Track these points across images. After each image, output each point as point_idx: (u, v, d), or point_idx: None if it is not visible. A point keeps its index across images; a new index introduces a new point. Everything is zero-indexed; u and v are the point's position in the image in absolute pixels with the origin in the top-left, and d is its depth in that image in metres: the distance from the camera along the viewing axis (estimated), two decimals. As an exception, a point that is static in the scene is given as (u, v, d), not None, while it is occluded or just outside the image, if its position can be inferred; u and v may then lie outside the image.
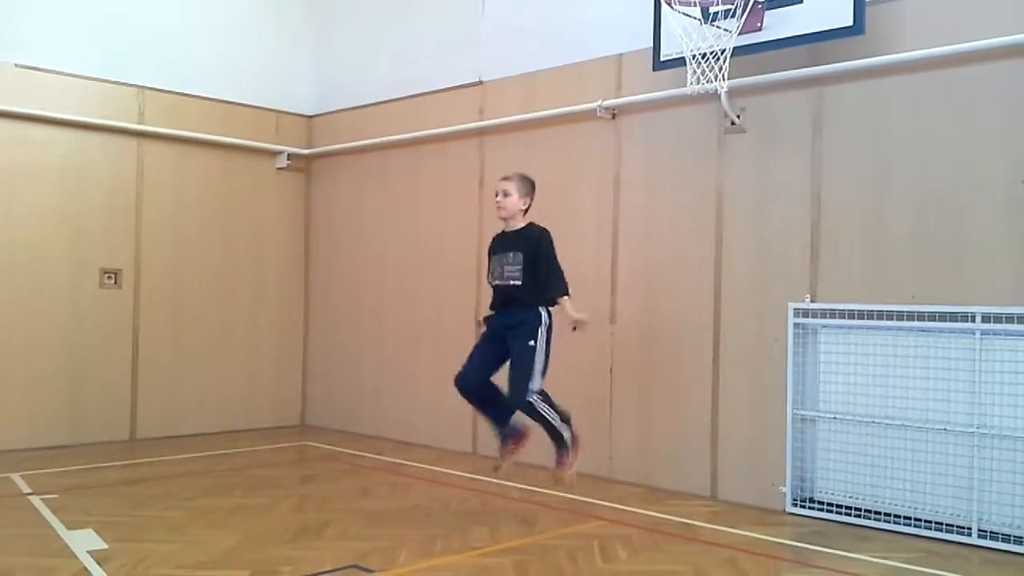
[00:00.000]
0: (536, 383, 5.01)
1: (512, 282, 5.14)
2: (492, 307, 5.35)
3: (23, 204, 7.37)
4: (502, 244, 5.32)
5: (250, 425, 8.70)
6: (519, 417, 5.16)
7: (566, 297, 5.14)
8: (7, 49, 7.32)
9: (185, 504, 5.54)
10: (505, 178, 5.33)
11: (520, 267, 5.11)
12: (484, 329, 5.36)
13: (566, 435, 5.13)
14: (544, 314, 5.11)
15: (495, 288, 5.29)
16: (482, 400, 5.26)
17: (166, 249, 8.18)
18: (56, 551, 4.48)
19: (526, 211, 5.31)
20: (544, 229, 5.27)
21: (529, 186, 5.33)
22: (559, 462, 5.20)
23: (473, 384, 5.20)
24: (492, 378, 5.22)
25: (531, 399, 4.99)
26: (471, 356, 5.30)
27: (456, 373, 5.27)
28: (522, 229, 5.28)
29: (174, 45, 8.27)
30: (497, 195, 5.29)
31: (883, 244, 5.32)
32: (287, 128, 9.09)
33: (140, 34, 8.05)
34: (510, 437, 5.22)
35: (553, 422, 5.08)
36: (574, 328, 5.13)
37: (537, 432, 5.19)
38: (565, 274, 5.23)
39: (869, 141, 5.41)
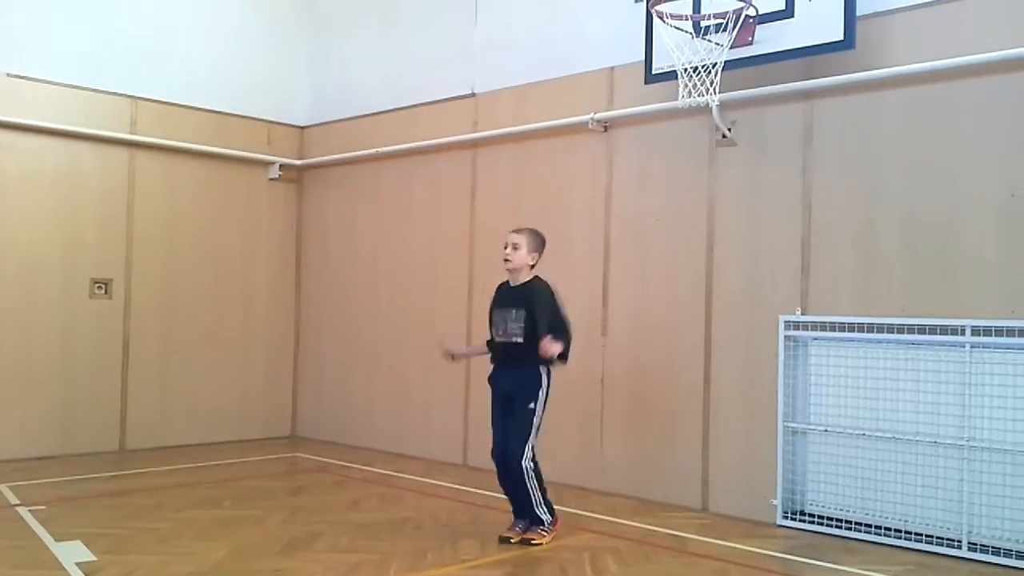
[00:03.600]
0: (531, 444, 5.03)
1: (514, 339, 5.11)
2: (492, 360, 5.33)
3: (14, 213, 7.35)
4: (505, 299, 5.26)
5: (240, 436, 8.67)
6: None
7: (548, 337, 4.93)
8: (-1, 58, 7.33)
9: (174, 516, 5.52)
10: (516, 231, 5.27)
11: (522, 324, 5.07)
12: (491, 393, 5.31)
13: (539, 512, 5.07)
14: (544, 375, 5.09)
15: (497, 345, 5.26)
16: (510, 477, 5.15)
17: (157, 259, 8.16)
18: (44, 563, 4.45)
19: (533, 266, 5.25)
20: (547, 284, 5.19)
21: (539, 242, 5.25)
22: (528, 529, 5.09)
23: (502, 455, 5.15)
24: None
25: (525, 465, 4.99)
26: (492, 427, 5.28)
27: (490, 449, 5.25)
28: (526, 283, 5.20)
29: (167, 55, 8.28)
30: (507, 247, 5.21)
31: (873, 257, 5.34)
32: (279, 139, 9.09)
33: (133, 44, 8.05)
34: (526, 523, 5.16)
35: (533, 499, 5.05)
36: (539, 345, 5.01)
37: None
38: (569, 324, 5.17)
39: (860, 154, 5.44)
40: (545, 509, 5.10)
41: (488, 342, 5.37)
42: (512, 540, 5.07)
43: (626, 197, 6.55)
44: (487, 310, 5.38)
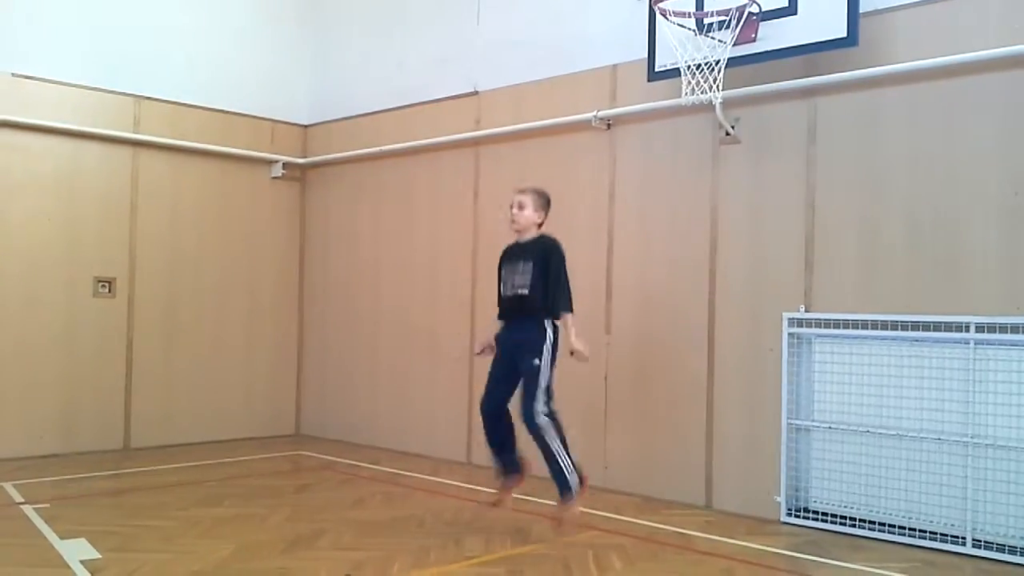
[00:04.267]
0: (541, 402, 4.97)
1: (520, 291, 5.13)
2: (500, 316, 5.34)
3: (18, 212, 7.36)
4: (514, 254, 5.29)
5: (244, 434, 8.68)
6: (520, 454, 5.23)
7: (569, 315, 5.10)
8: (3, 58, 7.33)
9: (178, 514, 5.52)
10: (521, 191, 5.29)
11: (530, 276, 5.09)
12: (496, 349, 5.32)
13: (570, 477, 5.01)
14: (549, 330, 5.08)
15: (504, 299, 5.28)
16: (498, 436, 5.24)
17: (161, 258, 8.18)
18: (49, 561, 4.46)
19: (540, 225, 5.28)
20: (556, 240, 5.22)
21: (544, 201, 5.29)
22: (561, 501, 5.09)
23: (493, 409, 5.22)
24: (512, 411, 5.24)
25: (539, 421, 4.95)
26: (488, 379, 5.31)
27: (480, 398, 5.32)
28: (534, 239, 5.25)
29: (170, 55, 8.29)
30: (512, 207, 5.24)
31: (877, 254, 5.34)
32: (282, 137, 9.10)
33: (136, 44, 8.07)
34: (510, 474, 5.26)
35: (557, 456, 4.98)
36: (572, 353, 5.09)
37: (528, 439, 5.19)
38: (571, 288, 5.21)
39: (863, 152, 5.43)
40: (572, 469, 5.00)
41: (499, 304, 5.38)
42: (499, 504, 5.24)
43: (629, 195, 6.55)
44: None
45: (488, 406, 5.25)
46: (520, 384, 5.10)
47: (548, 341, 5.06)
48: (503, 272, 5.31)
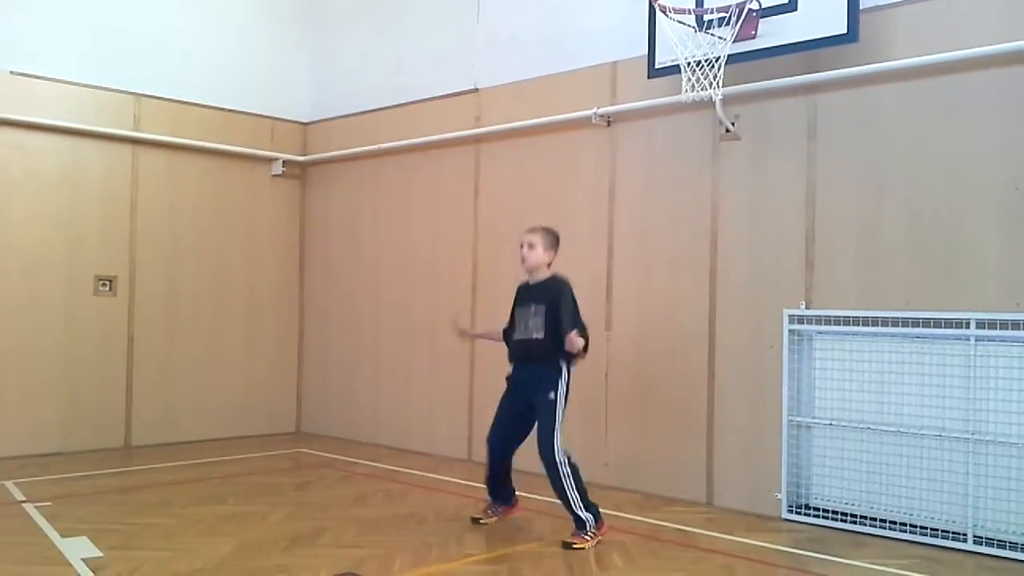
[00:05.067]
0: (559, 439, 4.97)
1: (535, 335, 5.13)
2: (511, 359, 5.34)
3: (18, 211, 7.36)
4: (525, 296, 5.29)
5: (245, 432, 8.69)
6: (514, 487, 5.38)
7: (573, 331, 4.93)
8: (2, 56, 7.32)
9: (179, 512, 5.53)
10: (531, 230, 5.28)
11: (542, 320, 5.09)
12: (507, 388, 5.33)
13: (582, 514, 4.94)
14: (564, 366, 5.09)
15: (517, 342, 5.27)
16: (499, 472, 5.34)
17: (161, 256, 8.17)
18: (50, 559, 4.46)
19: (550, 264, 5.27)
20: (565, 281, 5.21)
21: (553, 239, 5.28)
22: (573, 533, 4.97)
23: (502, 447, 5.27)
24: (515, 451, 5.33)
25: (559, 457, 4.93)
26: (496, 415, 5.33)
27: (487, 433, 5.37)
28: (545, 281, 5.23)
29: (170, 52, 8.28)
30: (522, 247, 5.24)
31: (877, 250, 5.33)
32: (282, 135, 9.10)
33: (136, 41, 8.06)
34: (500, 504, 5.42)
35: (571, 498, 4.94)
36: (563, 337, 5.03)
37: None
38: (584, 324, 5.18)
39: (863, 148, 5.43)
40: (584, 508, 4.95)
41: (504, 334, 5.40)
42: (482, 521, 5.29)
43: (630, 192, 6.54)
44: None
45: (496, 442, 5.29)
46: (536, 426, 5.11)
47: (563, 378, 5.08)
48: (516, 313, 5.32)
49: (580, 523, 4.94)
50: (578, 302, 5.16)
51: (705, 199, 6.11)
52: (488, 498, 5.45)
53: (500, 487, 5.41)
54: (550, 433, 4.98)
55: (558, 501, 5.03)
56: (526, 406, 5.15)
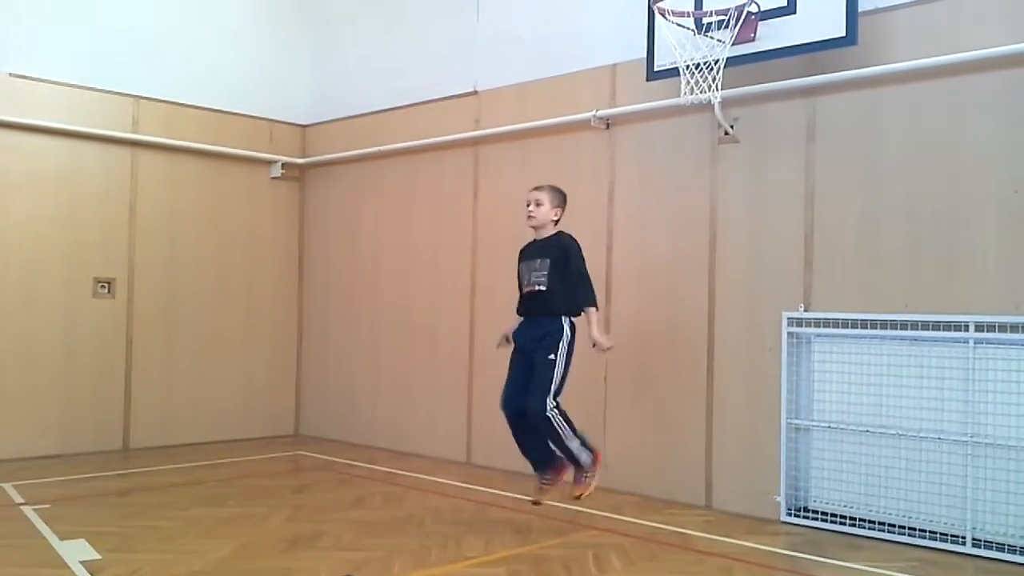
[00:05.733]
0: (551, 397, 4.97)
1: (538, 287, 5.15)
2: (518, 311, 5.35)
3: (16, 213, 7.36)
4: (531, 251, 5.32)
5: (244, 435, 8.68)
6: (555, 450, 5.18)
7: (593, 308, 5.14)
8: (1, 58, 7.32)
9: (178, 514, 5.52)
10: (537, 188, 5.33)
11: (546, 273, 5.12)
12: (514, 347, 5.31)
13: (582, 457, 5.05)
14: (567, 327, 5.09)
15: (523, 296, 5.30)
16: (525, 433, 5.20)
17: (160, 258, 8.17)
18: (48, 561, 4.46)
19: (557, 222, 5.30)
20: (572, 237, 5.26)
21: (560, 197, 5.32)
22: (576, 480, 5.14)
23: (515, 408, 5.19)
24: None
25: (549, 413, 4.95)
26: (509, 376, 5.29)
27: (500, 397, 5.28)
28: (551, 236, 5.28)
29: (169, 54, 8.28)
30: (529, 204, 5.28)
31: (876, 253, 5.34)
32: (281, 137, 9.10)
33: (134, 43, 8.06)
34: (548, 470, 5.23)
35: (567, 442, 4.99)
36: (593, 345, 5.12)
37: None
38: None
39: (862, 151, 5.43)
40: (581, 446, 5.02)
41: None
42: (540, 502, 5.26)
43: (628, 194, 6.55)
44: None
45: (509, 407, 5.21)
46: (533, 380, 5.08)
47: (565, 339, 5.07)
48: (521, 269, 5.34)
49: (578, 465, 5.07)
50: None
51: (704, 202, 6.11)
52: (535, 473, 5.29)
53: (537, 450, 5.20)
54: (542, 395, 4.95)
55: (531, 448, 5.13)
56: (532, 364, 5.12)
